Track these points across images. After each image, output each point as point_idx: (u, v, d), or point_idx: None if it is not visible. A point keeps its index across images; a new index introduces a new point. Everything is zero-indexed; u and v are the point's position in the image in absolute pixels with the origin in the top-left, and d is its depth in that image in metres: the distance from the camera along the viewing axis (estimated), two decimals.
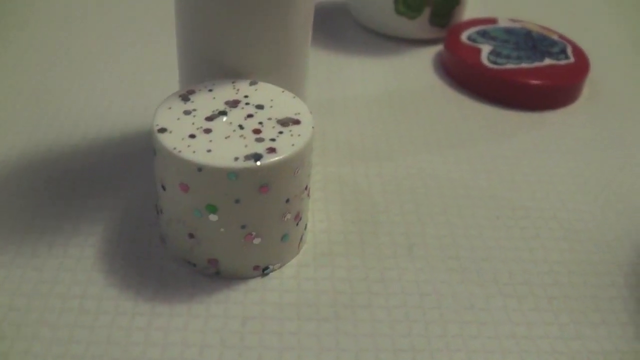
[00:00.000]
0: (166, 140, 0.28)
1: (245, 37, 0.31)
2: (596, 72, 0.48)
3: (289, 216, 0.29)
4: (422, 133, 0.40)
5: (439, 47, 0.50)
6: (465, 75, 0.44)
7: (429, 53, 0.49)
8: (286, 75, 0.33)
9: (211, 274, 0.30)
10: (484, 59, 0.44)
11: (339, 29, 0.51)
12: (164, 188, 0.29)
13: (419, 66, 0.47)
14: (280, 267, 0.31)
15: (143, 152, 0.37)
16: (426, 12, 0.48)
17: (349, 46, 0.49)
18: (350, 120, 0.41)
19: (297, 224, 0.30)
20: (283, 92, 0.31)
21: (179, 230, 0.29)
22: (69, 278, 0.30)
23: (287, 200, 0.29)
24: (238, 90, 0.31)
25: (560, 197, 0.37)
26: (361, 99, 0.43)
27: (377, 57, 0.48)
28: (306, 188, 0.30)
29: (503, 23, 0.49)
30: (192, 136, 0.28)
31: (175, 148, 0.27)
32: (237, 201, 0.27)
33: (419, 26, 0.49)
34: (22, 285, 0.29)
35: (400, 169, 0.37)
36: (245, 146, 0.28)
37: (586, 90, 0.46)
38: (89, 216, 0.33)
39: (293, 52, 0.33)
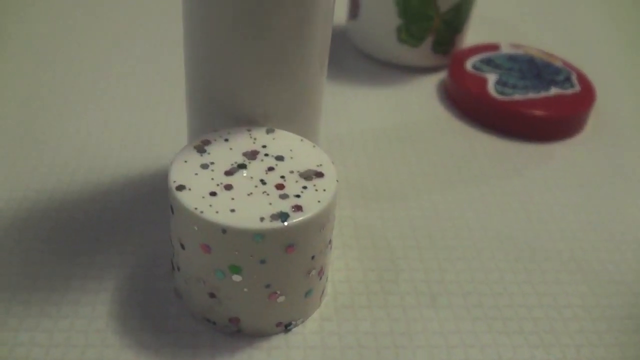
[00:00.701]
0: (186, 198, 0.26)
1: (259, 83, 0.30)
2: (600, 99, 0.48)
3: (313, 272, 0.28)
4: (433, 169, 0.40)
5: (442, 75, 0.49)
6: (472, 106, 0.44)
7: (433, 81, 0.48)
8: (303, 118, 0.32)
9: (232, 332, 0.29)
10: (491, 89, 0.44)
11: (340, 57, 0.50)
12: (182, 247, 0.28)
13: (423, 95, 0.46)
14: (303, 321, 0.30)
15: (150, 198, 0.36)
16: (428, 40, 0.47)
17: (352, 76, 0.48)
18: (360, 158, 0.40)
19: (320, 279, 0.29)
20: (302, 140, 0.30)
21: (198, 289, 0.28)
22: (82, 341, 0.28)
23: (313, 257, 0.28)
24: (255, 139, 0.30)
25: (576, 236, 0.36)
26: (369, 133, 0.42)
27: (382, 87, 0.47)
28: (330, 242, 0.29)
29: (505, 49, 0.49)
30: (213, 194, 0.27)
31: (196, 208, 0.26)
32: (262, 262, 0.26)
33: (421, 54, 0.48)
34: (32, 352, 0.28)
35: (414, 209, 0.37)
36: (270, 204, 0.27)
37: (592, 118, 0.46)
38: (98, 271, 0.31)
39: (309, 96, 0.32)
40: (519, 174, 0.40)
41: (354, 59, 0.50)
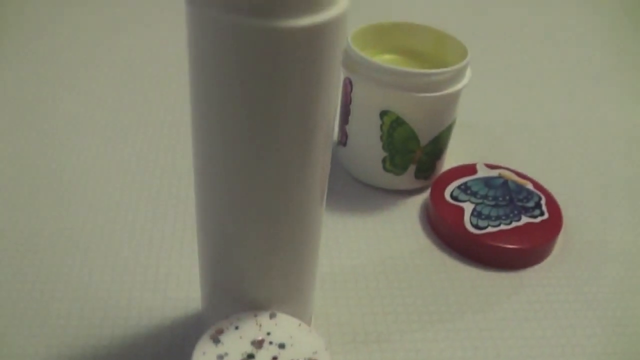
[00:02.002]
0: None
1: (264, 270, 0.35)
2: (568, 220, 0.53)
3: None
4: (415, 307, 0.45)
5: (425, 196, 0.54)
6: (450, 238, 0.49)
7: (416, 203, 0.53)
8: (300, 299, 0.37)
9: None
10: (467, 222, 0.49)
11: (331, 179, 0.55)
12: None
13: (408, 221, 0.52)
14: None
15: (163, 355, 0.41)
16: (411, 169, 0.52)
17: (342, 199, 0.53)
18: (350, 297, 0.45)
19: None
20: (300, 325, 0.36)
21: None
22: None
23: None
24: (261, 325, 0.35)
25: None
26: (359, 270, 0.47)
27: (370, 211, 0.52)
28: None
29: (482, 171, 0.54)
30: None
31: None
32: None
33: (405, 180, 0.53)
34: None
35: (398, 351, 0.42)
36: None
37: (560, 240, 0.51)
38: None
39: (304, 281, 0.37)
40: (491, 308, 0.45)
41: (343, 181, 0.55)
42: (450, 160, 0.59)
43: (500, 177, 0.54)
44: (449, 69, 0.48)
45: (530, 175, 0.58)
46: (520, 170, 0.59)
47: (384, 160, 0.52)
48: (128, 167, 0.55)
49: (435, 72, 0.48)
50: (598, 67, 0.80)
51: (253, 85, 0.28)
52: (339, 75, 0.31)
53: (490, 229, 0.49)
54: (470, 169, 0.54)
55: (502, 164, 0.59)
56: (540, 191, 0.53)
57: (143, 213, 0.51)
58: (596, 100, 0.72)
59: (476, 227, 0.49)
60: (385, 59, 0.54)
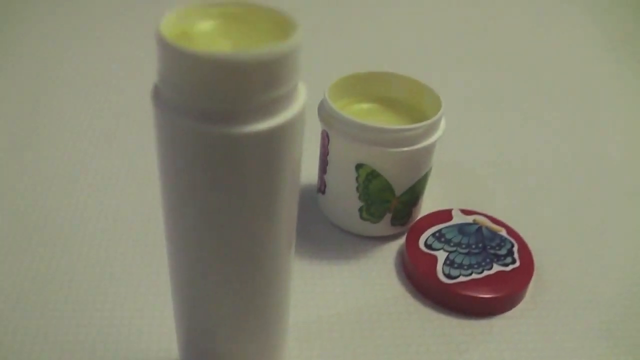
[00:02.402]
0: None
1: (234, 329, 0.37)
2: (540, 265, 0.55)
3: None
4: (387, 357, 0.46)
5: (401, 242, 0.56)
6: (423, 287, 0.51)
7: (392, 249, 0.55)
8: (273, 355, 0.39)
9: None
10: (439, 271, 0.51)
11: (310, 222, 0.57)
12: None
13: (384, 268, 0.53)
14: None
15: None
16: (387, 217, 0.54)
17: (320, 244, 0.55)
18: (325, 347, 0.47)
19: None
20: None
21: None
22: None
23: None
24: None
25: None
26: (332, 318, 0.49)
27: (346, 257, 0.54)
28: None
29: (457, 218, 0.56)
30: None
31: None
32: None
33: (382, 227, 0.55)
34: None
35: None
36: None
37: (531, 287, 0.53)
38: None
39: (276, 337, 0.39)
40: (462, 356, 0.47)
41: (322, 226, 0.57)
42: (427, 202, 0.61)
43: (474, 223, 0.55)
44: (421, 124, 0.50)
45: (505, 219, 0.60)
46: (495, 214, 0.60)
47: (360, 210, 0.54)
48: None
49: (408, 128, 0.49)
50: (578, 105, 0.81)
51: (212, 181, 0.29)
52: (299, 163, 0.32)
53: (462, 278, 0.50)
54: (446, 215, 0.56)
55: (477, 209, 0.60)
56: (513, 237, 0.54)
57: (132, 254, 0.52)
58: (578, 140, 0.74)
59: (448, 276, 0.50)
60: (363, 108, 0.56)
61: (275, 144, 0.29)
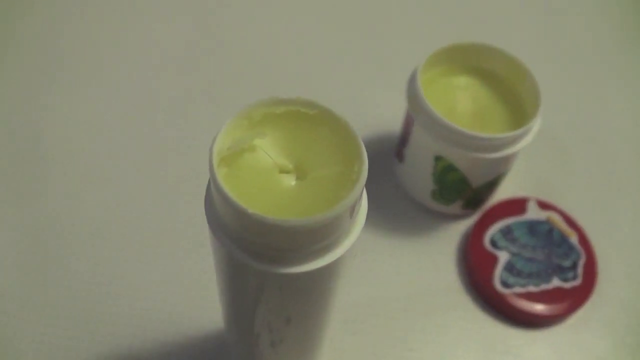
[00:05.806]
0: None
1: None
2: (602, 283, 0.53)
3: None
4: (432, 354, 0.48)
5: (469, 223, 0.55)
6: (477, 287, 0.51)
7: (459, 231, 0.55)
8: None
9: None
10: (496, 277, 0.51)
11: (385, 190, 0.57)
12: None
13: (446, 250, 0.53)
14: None
15: None
16: (459, 203, 0.53)
17: (389, 214, 0.55)
18: (367, 331, 0.49)
19: None
20: None
21: None
22: None
23: None
24: None
25: None
26: (382, 301, 0.50)
27: (411, 233, 0.54)
28: None
29: (531, 211, 0.54)
30: None
31: None
32: None
33: (452, 208, 0.54)
34: None
35: None
36: None
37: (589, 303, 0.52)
38: None
39: None
40: None
41: (394, 191, 0.57)
42: (505, 185, 0.57)
43: (547, 222, 0.54)
44: (512, 133, 0.47)
45: (581, 221, 0.56)
46: (574, 208, 0.56)
47: (433, 192, 0.53)
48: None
49: (496, 137, 0.47)
50: None
51: (264, 303, 0.30)
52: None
53: (517, 289, 0.50)
54: (520, 206, 0.54)
55: (555, 201, 0.56)
56: (583, 247, 0.53)
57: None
58: None
59: (504, 284, 0.50)
60: (458, 84, 0.52)
61: (325, 276, 0.29)
